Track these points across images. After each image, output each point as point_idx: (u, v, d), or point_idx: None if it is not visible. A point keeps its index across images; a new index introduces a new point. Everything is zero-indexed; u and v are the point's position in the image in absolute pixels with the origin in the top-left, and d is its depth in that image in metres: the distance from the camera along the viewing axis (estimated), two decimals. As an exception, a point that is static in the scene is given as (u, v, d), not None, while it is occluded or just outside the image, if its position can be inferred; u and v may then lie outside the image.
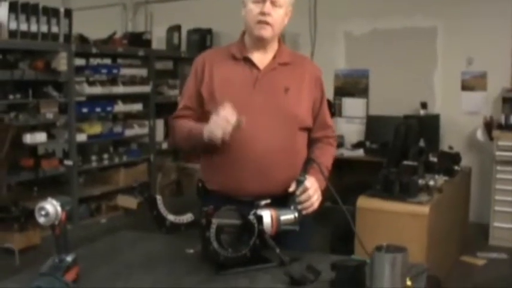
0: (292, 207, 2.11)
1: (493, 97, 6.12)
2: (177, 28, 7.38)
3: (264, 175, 2.21)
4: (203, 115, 2.29)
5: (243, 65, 2.30)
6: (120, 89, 6.24)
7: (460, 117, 6.25)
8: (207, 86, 2.29)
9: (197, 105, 2.33)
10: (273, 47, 2.33)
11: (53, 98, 5.47)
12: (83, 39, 5.88)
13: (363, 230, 3.23)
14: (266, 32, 2.25)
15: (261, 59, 2.30)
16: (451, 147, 5.24)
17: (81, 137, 5.78)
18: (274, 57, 2.32)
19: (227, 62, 2.32)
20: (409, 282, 1.72)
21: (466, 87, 6.27)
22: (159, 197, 1.99)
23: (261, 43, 2.29)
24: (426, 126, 5.44)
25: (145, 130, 6.65)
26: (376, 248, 1.67)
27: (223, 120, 2.05)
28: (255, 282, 1.86)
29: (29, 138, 5.25)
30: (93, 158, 6.09)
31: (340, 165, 3.10)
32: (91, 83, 5.95)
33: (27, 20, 5.17)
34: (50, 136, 5.56)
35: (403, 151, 4.25)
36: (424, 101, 6.24)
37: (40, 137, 5.36)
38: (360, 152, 6.30)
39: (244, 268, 1.94)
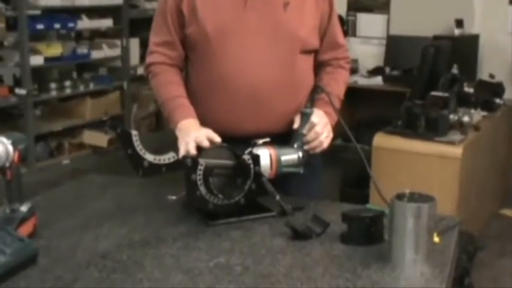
0: (295, 146, 2.12)
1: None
2: None
3: (261, 110, 2.21)
4: (184, 40, 2.27)
5: None
6: (84, 0, 6.17)
7: (505, 38, 6.18)
8: (189, 1, 2.22)
9: (178, 30, 2.27)
10: None
11: (-2, 10, 5.41)
12: None
13: (380, 174, 3.27)
14: None
15: None
16: (492, 76, 5.23)
17: (37, 60, 5.75)
18: None
19: None
20: (436, 239, 1.73)
21: (513, 1, 6.20)
22: (134, 133, 1.98)
23: None
24: (461, 49, 5.40)
25: (116, 52, 6.63)
26: (396, 196, 1.68)
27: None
28: (249, 235, 1.87)
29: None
30: (53, 85, 6.08)
31: (354, 96, 3.09)
32: (48, -7, 5.88)
33: None
34: (-3, 58, 5.54)
35: (431, 79, 4.24)
36: (460, 18, 6.16)
37: (-17, 59, 5.34)
38: (377, 80, 6.28)
39: (237, 218, 1.96)
